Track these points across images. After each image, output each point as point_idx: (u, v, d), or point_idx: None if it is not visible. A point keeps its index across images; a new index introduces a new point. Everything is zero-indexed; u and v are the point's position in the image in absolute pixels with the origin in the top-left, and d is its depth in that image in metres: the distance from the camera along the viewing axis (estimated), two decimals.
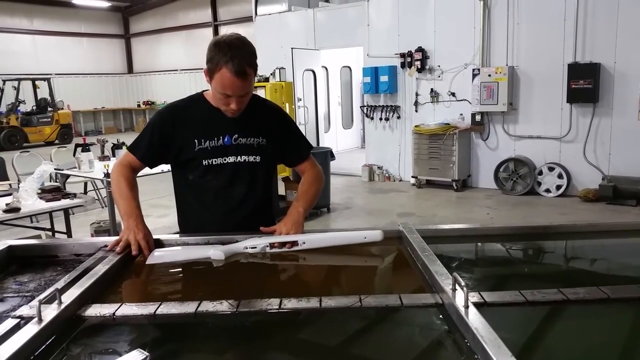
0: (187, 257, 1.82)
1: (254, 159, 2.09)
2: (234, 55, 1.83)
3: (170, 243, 1.97)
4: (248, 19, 13.41)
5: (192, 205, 2.16)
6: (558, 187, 7.69)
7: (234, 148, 2.06)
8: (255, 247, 1.83)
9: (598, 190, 7.24)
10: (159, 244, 1.93)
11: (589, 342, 1.28)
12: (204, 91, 2.11)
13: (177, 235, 2.07)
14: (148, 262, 1.78)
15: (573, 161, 7.63)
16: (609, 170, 7.35)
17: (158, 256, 1.81)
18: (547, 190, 7.76)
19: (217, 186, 2.08)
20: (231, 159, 2.06)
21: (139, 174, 2.17)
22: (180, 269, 1.78)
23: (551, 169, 7.75)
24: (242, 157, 2.07)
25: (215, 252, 1.78)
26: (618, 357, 1.22)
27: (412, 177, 8.83)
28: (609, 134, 7.33)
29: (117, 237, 1.90)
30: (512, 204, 7.49)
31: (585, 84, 7.19)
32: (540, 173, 7.82)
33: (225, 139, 2.05)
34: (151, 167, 2.19)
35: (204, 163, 2.04)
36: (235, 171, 2.07)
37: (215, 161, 2.05)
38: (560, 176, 7.68)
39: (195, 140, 2.03)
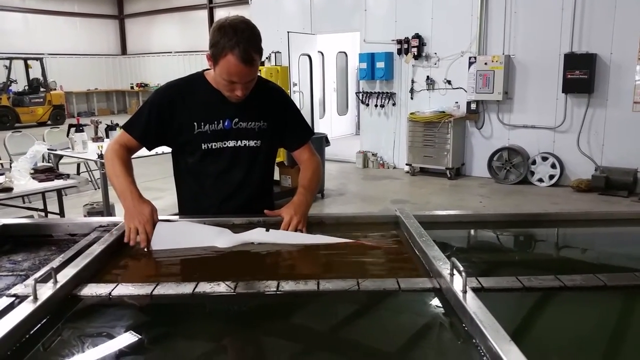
0: (192, 244, 1.75)
1: (255, 143, 2.03)
2: (239, 41, 1.75)
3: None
4: (244, 2, 13.31)
5: (191, 189, 2.11)
6: (551, 177, 7.73)
7: (235, 132, 2.00)
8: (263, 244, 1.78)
9: (590, 181, 7.28)
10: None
11: (586, 329, 1.29)
12: (204, 70, 2.03)
13: (176, 217, 2.04)
14: (152, 247, 1.72)
15: (566, 151, 7.65)
16: (602, 161, 7.38)
17: (161, 241, 1.74)
18: (540, 180, 7.80)
19: (216, 171, 2.03)
20: (231, 144, 2.00)
21: (133, 156, 2.08)
22: (178, 250, 1.76)
23: (544, 159, 7.78)
24: (243, 141, 2.02)
25: (224, 242, 1.74)
26: (614, 343, 1.23)
27: (406, 164, 8.84)
28: (603, 125, 7.35)
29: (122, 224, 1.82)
30: (505, 193, 7.52)
31: (581, 75, 7.20)
32: (534, 162, 7.85)
33: (226, 123, 1.98)
34: (149, 149, 2.11)
35: (202, 147, 1.99)
36: (234, 156, 2.02)
37: (214, 145, 1.99)
38: (553, 166, 7.71)
39: (195, 124, 1.97)
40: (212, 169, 2.03)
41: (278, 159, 7.46)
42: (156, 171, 5.39)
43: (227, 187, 2.06)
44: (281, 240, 1.78)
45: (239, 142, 2.02)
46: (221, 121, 1.98)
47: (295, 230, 1.85)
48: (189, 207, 2.15)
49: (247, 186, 2.07)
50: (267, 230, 1.81)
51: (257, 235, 1.79)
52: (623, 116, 7.13)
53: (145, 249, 1.73)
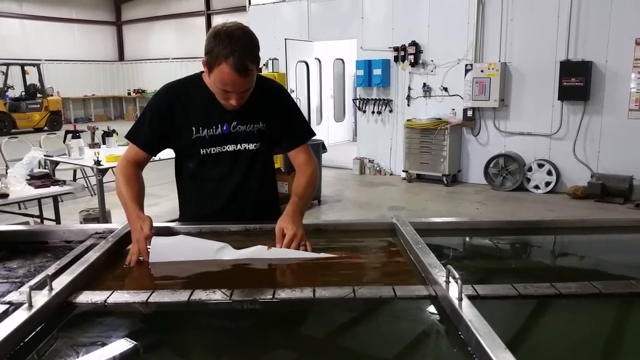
0: (191, 258, 1.71)
1: (254, 146, 1.99)
2: (234, 49, 1.69)
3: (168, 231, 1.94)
4: (241, 9, 13.33)
5: (193, 194, 2.09)
6: (547, 184, 7.74)
7: (233, 136, 1.96)
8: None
9: (586, 188, 7.30)
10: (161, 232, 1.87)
11: (581, 336, 1.29)
12: (202, 72, 1.94)
13: (174, 224, 2.04)
14: (150, 260, 1.68)
15: (562, 158, 7.68)
16: (598, 168, 7.41)
17: (159, 255, 1.69)
18: (536, 187, 7.81)
19: (216, 175, 2.00)
20: (230, 148, 1.96)
21: None
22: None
23: (540, 166, 7.80)
24: (242, 145, 1.97)
25: (223, 257, 1.69)
26: (610, 350, 1.23)
27: (403, 171, 8.85)
28: (599, 132, 7.38)
29: (119, 232, 1.82)
30: (501, 200, 7.53)
31: (577, 82, 7.23)
32: (530, 169, 7.87)
33: (224, 128, 1.94)
34: (155, 155, 2.05)
35: (201, 152, 1.96)
36: (234, 160, 1.98)
37: (213, 150, 1.96)
38: (549, 173, 7.73)
39: (193, 128, 1.93)
40: (212, 174, 2.01)
41: (275, 165, 7.47)
42: (154, 177, 5.36)
43: (229, 191, 2.02)
44: (281, 256, 1.73)
45: (238, 145, 1.98)
46: (219, 126, 1.94)
47: (298, 247, 1.76)
48: (191, 212, 2.12)
49: (248, 189, 2.03)
50: (269, 248, 1.75)
51: (258, 254, 1.73)
52: (618, 123, 7.16)
53: (143, 260, 1.70)
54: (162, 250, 1.70)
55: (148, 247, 1.71)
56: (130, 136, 2.02)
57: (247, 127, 1.97)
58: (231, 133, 1.96)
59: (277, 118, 2.02)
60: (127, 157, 2.00)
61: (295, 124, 2.09)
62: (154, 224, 1.79)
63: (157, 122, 1.96)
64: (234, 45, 1.70)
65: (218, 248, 1.71)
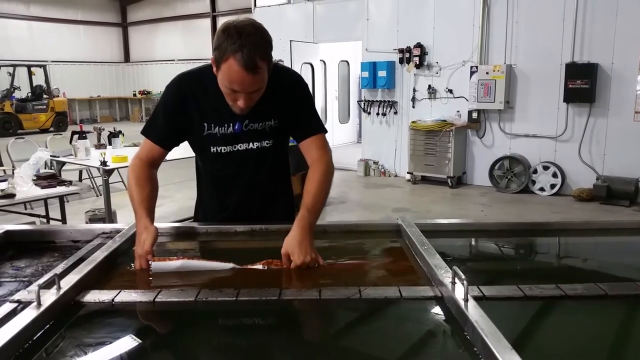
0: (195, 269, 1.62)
1: (267, 143, 1.92)
2: (243, 45, 1.59)
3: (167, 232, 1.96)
4: (247, 11, 13.36)
5: (207, 191, 2.06)
6: (552, 186, 7.72)
7: (245, 135, 1.88)
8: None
9: (592, 190, 7.28)
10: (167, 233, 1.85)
11: (587, 337, 1.29)
12: None
13: (179, 224, 2.04)
14: (152, 271, 1.60)
15: (568, 160, 7.66)
16: (603, 171, 7.38)
17: (162, 267, 1.61)
18: (542, 189, 7.79)
19: (229, 173, 1.95)
20: (242, 147, 1.89)
21: None
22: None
23: (546, 168, 7.78)
24: (255, 143, 1.90)
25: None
26: (615, 352, 1.23)
27: (408, 172, 8.85)
28: (604, 135, 7.36)
29: (125, 232, 1.80)
30: (506, 202, 7.52)
31: (583, 84, 7.21)
32: (535, 172, 7.85)
33: (236, 126, 1.86)
34: (170, 149, 1.97)
35: (212, 150, 1.90)
36: (246, 158, 1.92)
37: (224, 149, 1.89)
38: (554, 175, 7.71)
39: (205, 124, 1.86)
40: (224, 172, 1.96)
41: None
42: (159, 178, 5.41)
43: (241, 189, 1.98)
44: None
45: (251, 144, 1.91)
46: (231, 124, 1.86)
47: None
48: (206, 209, 2.10)
49: (262, 186, 2.00)
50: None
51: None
52: (624, 126, 7.14)
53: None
54: (164, 270, 1.61)
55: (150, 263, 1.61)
56: (145, 132, 1.95)
57: (259, 125, 1.89)
58: (243, 132, 1.88)
59: (290, 112, 1.91)
60: (139, 156, 1.93)
61: (306, 116, 1.97)
62: (160, 224, 1.80)
63: (170, 115, 1.88)
64: (243, 41, 1.60)
65: (222, 268, 1.62)
